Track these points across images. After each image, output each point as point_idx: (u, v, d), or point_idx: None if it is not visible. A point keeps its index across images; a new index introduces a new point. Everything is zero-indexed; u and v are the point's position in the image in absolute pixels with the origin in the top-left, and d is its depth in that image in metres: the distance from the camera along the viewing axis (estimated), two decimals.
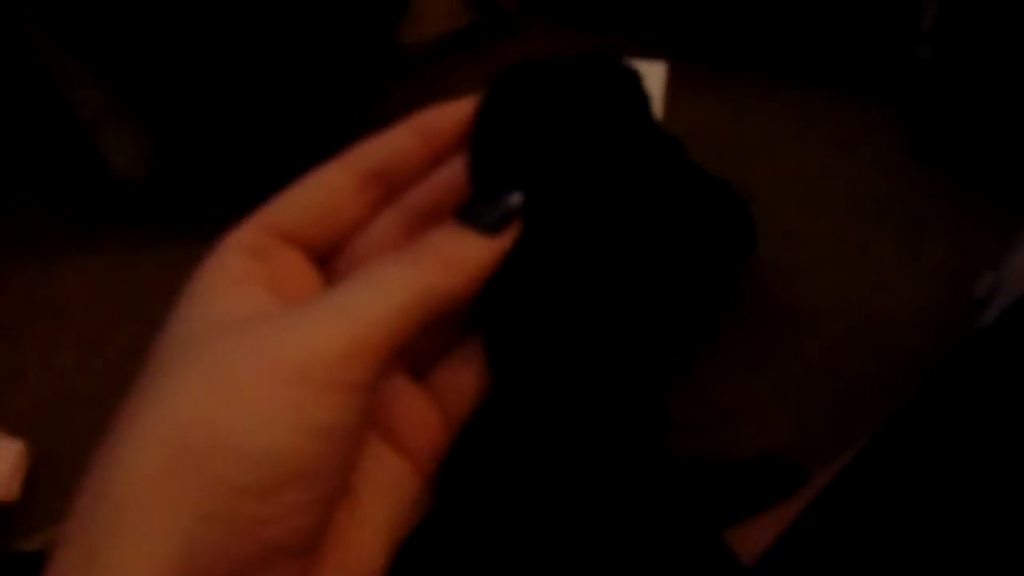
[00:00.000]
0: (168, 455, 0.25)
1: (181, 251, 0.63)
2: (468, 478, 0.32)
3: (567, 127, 0.31)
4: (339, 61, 0.59)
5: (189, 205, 0.65)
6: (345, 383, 0.26)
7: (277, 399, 0.25)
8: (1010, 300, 0.42)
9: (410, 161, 0.32)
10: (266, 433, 0.25)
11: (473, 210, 0.30)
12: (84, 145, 0.64)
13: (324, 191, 0.31)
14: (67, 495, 0.25)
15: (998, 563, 0.35)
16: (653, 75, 0.62)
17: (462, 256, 0.29)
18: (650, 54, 0.67)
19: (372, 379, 0.27)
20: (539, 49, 0.70)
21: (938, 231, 0.61)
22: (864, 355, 0.56)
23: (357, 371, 0.26)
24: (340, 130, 0.61)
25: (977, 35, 0.59)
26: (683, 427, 0.53)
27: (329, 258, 0.32)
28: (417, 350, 0.31)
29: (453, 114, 0.32)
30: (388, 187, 0.32)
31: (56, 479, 0.54)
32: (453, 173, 0.31)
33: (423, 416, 0.31)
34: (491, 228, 0.30)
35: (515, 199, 0.30)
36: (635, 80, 0.33)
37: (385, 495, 0.30)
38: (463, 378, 0.32)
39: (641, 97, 0.33)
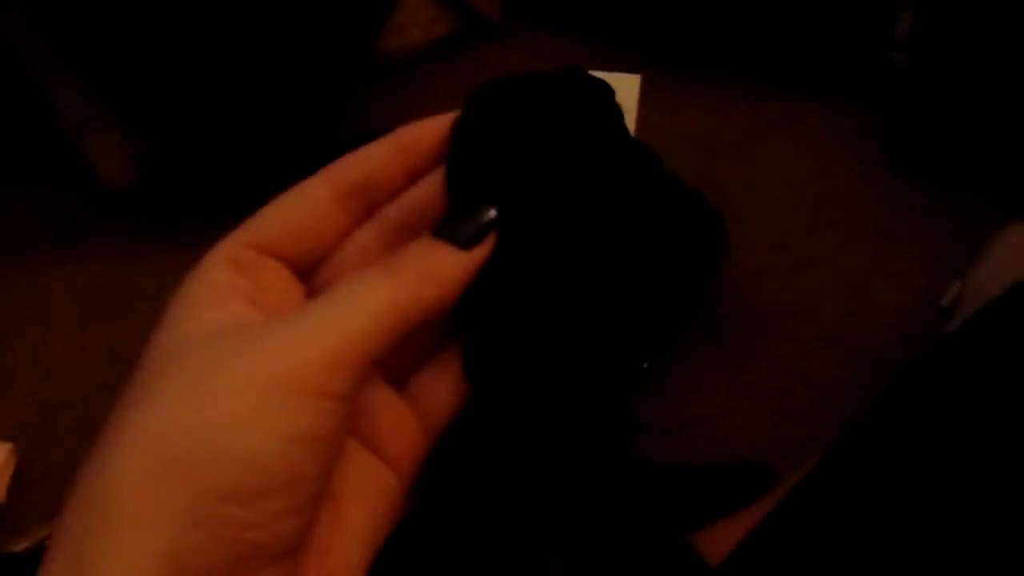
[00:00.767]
0: (154, 463, 0.25)
1: (168, 256, 0.63)
2: (446, 483, 0.33)
3: (541, 142, 0.32)
4: (320, 69, 0.59)
5: (176, 211, 0.65)
6: (326, 392, 0.27)
7: (260, 408, 0.26)
8: (974, 309, 0.43)
9: (389, 176, 0.33)
10: (250, 440, 0.26)
11: (449, 224, 0.31)
12: (70, 151, 0.65)
13: (306, 206, 0.32)
14: (54, 497, 0.26)
15: (961, 563, 0.36)
16: (627, 87, 0.63)
17: (439, 269, 0.30)
18: (629, 60, 0.68)
19: (352, 388, 0.27)
20: (517, 55, 0.70)
21: (912, 239, 0.61)
22: (837, 361, 0.56)
23: (338, 381, 0.27)
24: (319, 136, 0.61)
25: (952, 44, 0.60)
26: (656, 432, 0.53)
27: (311, 271, 0.32)
28: (397, 360, 0.32)
29: (432, 129, 0.33)
30: (368, 201, 0.33)
31: (43, 481, 0.55)
32: (431, 188, 0.32)
33: (403, 424, 0.32)
34: (467, 242, 0.30)
35: (490, 213, 0.31)
36: (608, 93, 0.34)
37: (366, 500, 0.31)
38: (441, 386, 0.32)
39: (614, 110, 0.34)
